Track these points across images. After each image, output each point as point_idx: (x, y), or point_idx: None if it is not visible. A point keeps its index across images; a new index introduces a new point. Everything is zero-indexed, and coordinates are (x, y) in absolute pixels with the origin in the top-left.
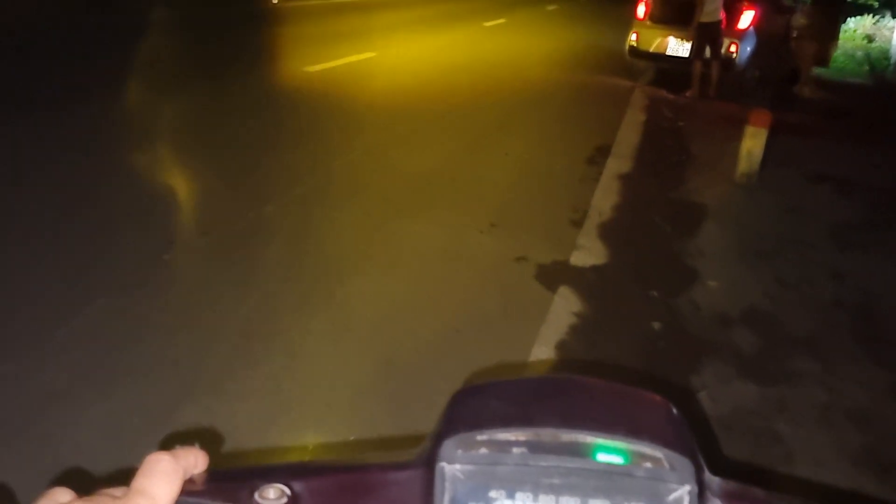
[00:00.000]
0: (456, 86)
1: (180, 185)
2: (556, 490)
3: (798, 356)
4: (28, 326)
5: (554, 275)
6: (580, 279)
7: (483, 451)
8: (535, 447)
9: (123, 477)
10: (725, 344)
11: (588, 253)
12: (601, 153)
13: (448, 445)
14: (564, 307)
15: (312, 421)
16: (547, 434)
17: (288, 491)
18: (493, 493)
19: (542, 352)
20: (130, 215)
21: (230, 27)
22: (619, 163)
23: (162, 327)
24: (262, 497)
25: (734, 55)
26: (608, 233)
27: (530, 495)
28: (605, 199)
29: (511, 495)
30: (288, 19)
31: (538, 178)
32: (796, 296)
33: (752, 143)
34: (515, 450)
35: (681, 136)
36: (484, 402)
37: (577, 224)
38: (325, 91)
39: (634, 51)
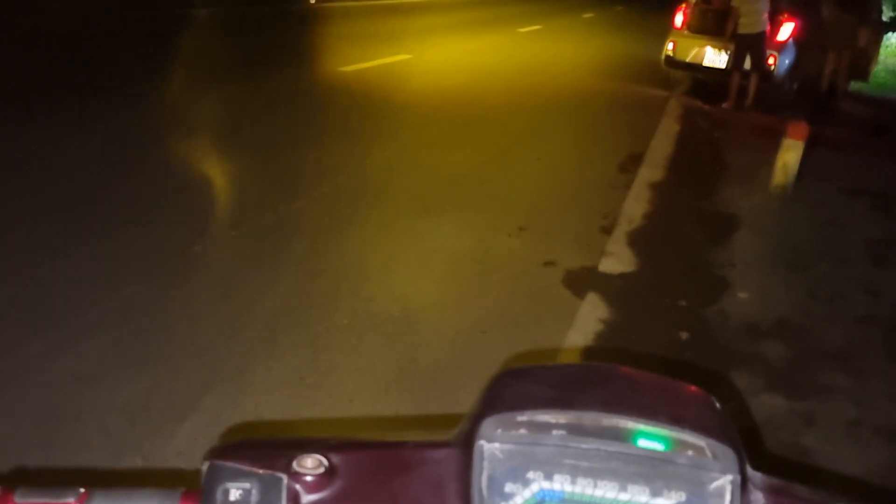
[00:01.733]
0: (490, 90)
1: (213, 177)
2: (595, 474)
3: (828, 371)
4: (59, 309)
5: (582, 281)
6: (608, 286)
7: (522, 431)
8: (575, 430)
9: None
10: (754, 356)
11: (617, 260)
12: (634, 161)
13: (488, 424)
14: (592, 313)
15: (335, 415)
16: (588, 417)
17: (326, 462)
18: (530, 475)
19: (569, 357)
20: (163, 206)
21: (267, 26)
22: (651, 171)
23: (189, 316)
24: (300, 466)
25: (773, 67)
26: (638, 240)
27: (568, 478)
28: (636, 206)
29: (549, 477)
30: (324, 20)
31: (569, 183)
32: (828, 309)
33: (789, 155)
34: (555, 432)
35: (716, 146)
36: (524, 384)
37: (607, 231)
38: (359, 91)
39: (670, 60)
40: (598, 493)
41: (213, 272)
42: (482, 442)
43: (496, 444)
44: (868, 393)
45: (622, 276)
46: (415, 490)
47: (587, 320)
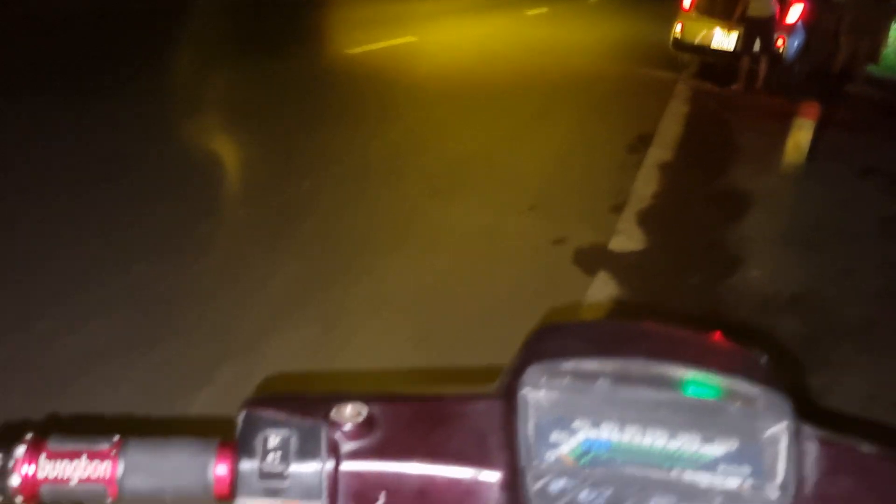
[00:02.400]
0: (497, 73)
1: (222, 158)
2: (644, 422)
3: (843, 347)
4: (69, 286)
5: (593, 258)
6: (619, 264)
7: (568, 379)
8: (622, 378)
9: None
10: (767, 333)
11: (628, 238)
12: (643, 142)
13: (532, 373)
14: (603, 291)
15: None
16: (635, 366)
17: (365, 411)
18: (577, 423)
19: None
20: (173, 185)
21: (271, 10)
22: (661, 152)
23: (200, 293)
24: (339, 414)
25: (782, 50)
26: (649, 219)
27: (616, 426)
28: (646, 186)
29: (596, 425)
30: (330, 3)
31: (578, 164)
32: (841, 287)
33: (800, 134)
34: (602, 380)
35: (726, 128)
36: (566, 336)
37: (618, 210)
38: (366, 73)
39: (678, 43)
40: (647, 441)
41: (222, 250)
42: (527, 390)
43: (541, 393)
44: (883, 368)
45: (633, 253)
46: (457, 441)
47: (598, 298)
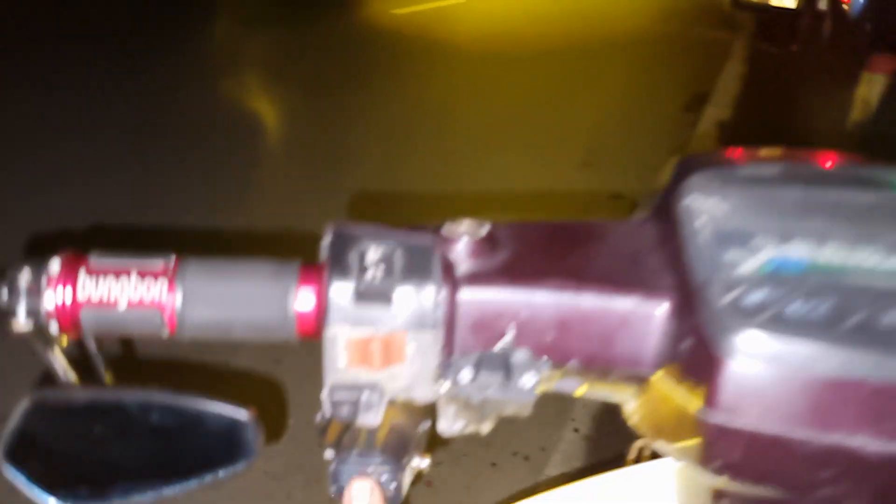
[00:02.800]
0: (547, 33)
1: (266, 111)
2: (850, 236)
3: None
4: (112, 229)
5: None
6: None
7: (747, 186)
8: (817, 179)
9: None
10: None
11: None
12: (699, 101)
13: (699, 180)
14: None
15: None
16: (831, 168)
17: (487, 226)
18: (760, 239)
19: None
20: (218, 138)
21: None
22: (718, 111)
23: (247, 244)
24: (453, 229)
25: (847, 5)
26: None
27: (813, 242)
28: (702, 144)
29: (786, 239)
30: None
31: (633, 121)
32: None
33: (868, 90)
34: (792, 185)
35: (787, 88)
36: (724, 158)
37: None
38: (413, 33)
39: (736, 1)
40: (856, 259)
41: (268, 201)
42: (693, 198)
43: (711, 201)
44: None
45: None
46: (602, 263)
47: None
